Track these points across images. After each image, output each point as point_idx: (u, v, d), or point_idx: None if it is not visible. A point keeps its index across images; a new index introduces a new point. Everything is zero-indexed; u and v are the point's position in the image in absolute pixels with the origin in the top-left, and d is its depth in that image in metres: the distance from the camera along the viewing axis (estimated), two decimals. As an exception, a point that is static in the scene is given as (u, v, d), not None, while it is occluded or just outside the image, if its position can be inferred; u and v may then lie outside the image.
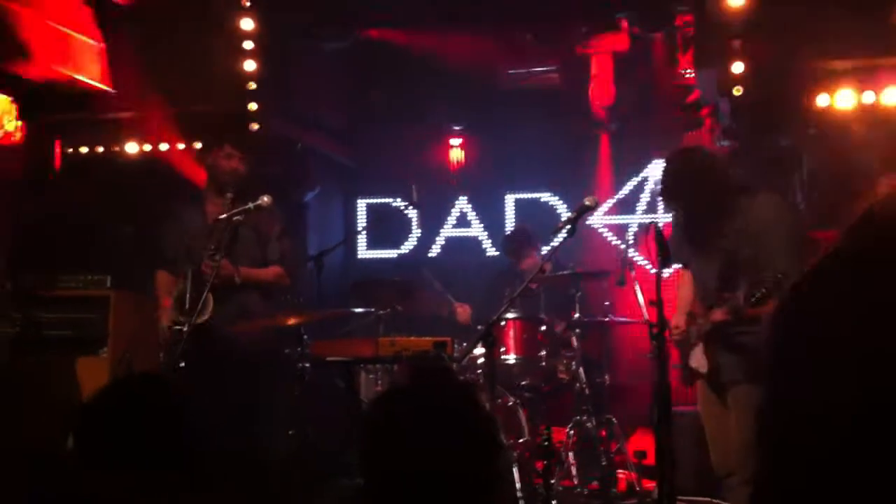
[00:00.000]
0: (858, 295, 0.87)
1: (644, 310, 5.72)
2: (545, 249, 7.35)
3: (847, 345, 0.86)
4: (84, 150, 7.64)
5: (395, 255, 8.52)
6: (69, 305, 6.62)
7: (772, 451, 0.91)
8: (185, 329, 4.67)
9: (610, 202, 8.03)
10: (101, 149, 7.62)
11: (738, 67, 6.14)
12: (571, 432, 6.11)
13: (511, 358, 6.15)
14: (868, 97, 6.38)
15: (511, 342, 6.15)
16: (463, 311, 7.01)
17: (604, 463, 6.05)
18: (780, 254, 4.13)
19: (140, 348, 6.39)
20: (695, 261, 4.56)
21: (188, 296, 4.82)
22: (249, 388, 5.08)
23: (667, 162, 4.56)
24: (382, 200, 8.56)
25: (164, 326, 5.13)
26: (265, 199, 5.08)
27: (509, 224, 8.18)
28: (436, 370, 2.01)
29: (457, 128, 8.00)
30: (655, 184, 7.75)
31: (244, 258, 5.32)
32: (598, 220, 8.03)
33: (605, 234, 8.05)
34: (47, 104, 7.15)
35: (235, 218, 5.05)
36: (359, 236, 8.49)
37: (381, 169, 8.34)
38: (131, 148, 7.54)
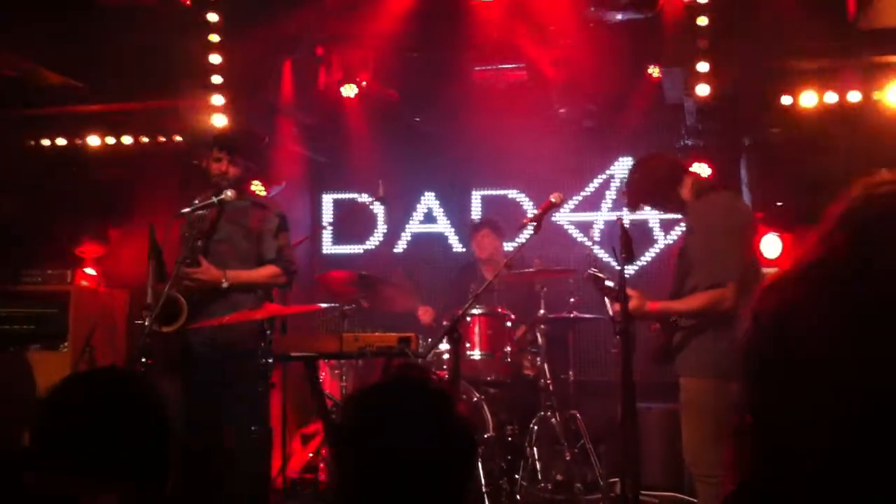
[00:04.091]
0: (847, 300, 0.88)
1: (609, 306, 5.74)
2: (511, 245, 7.40)
3: (835, 347, 0.87)
4: (46, 142, 7.55)
5: (361, 251, 8.50)
6: (30, 301, 6.57)
7: (760, 449, 0.91)
8: (149, 327, 4.61)
9: (576, 199, 8.06)
10: (63, 142, 7.54)
11: (703, 67, 6.19)
12: (535, 428, 6.13)
13: (476, 353, 6.16)
14: (831, 98, 6.45)
15: (476, 338, 6.16)
16: (425, 314, 7.00)
17: (568, 458, 6.08)
18: (698, 259, 4.20)
19: (101, 344, 6.34)
20: None
21: (150, 292, 4.76)
22: (212, 384, 5.04)
23: (630, 171, 4.65)
24: (349, 196, 8.54)
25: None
26: (228, 192, 5.03)
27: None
28: (413, 369, 2.00)
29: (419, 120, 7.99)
30: (621, 182, 7.81)
31: (232, 257, 5.21)
32: (564, 216, 8.06)
33: (570, 231, 8.08)
34: (9, 98, 7.09)
35: (199, 212, 5.00)
36: (324, 231, 8.47)
37: (348, 164, 8.31)
38: (94, 141, 7.47)
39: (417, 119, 8.00)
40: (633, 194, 4.58)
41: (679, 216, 4.77)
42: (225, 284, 5.07)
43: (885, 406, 0.85)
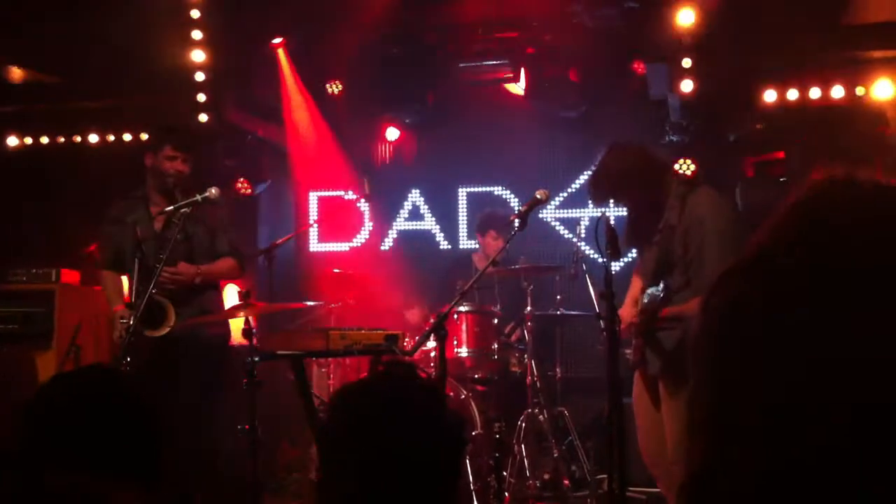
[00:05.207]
0: (791, 296, 0.88)
1: (595, 302, 5.75)
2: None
3: (784, 340, 0.87)
4: (29, 140, 7.51)
5: (347, 249, 8.48)
6: (16, 299, 6.53)
7: (711, 441, 0.91)
8: (132, 327, 4.59)
9: (562, 195, 8.07)
10: (46, 139, 7.49)
11: (686, 63, 6.20)
12: (523, 425, 6.13)
13: (463, 351, 6.15)
14: (814, 93, 6.47)
15: (463, 335, 6.16)
16: (412, 314, 6.98)
17: (555, 455, 6.09)
18: (707, 253, 4.12)
19: (87, 343, 6.31)
20: (640, 253, 4.59)
21: (137, 299, 4.74)
22: (198, 384, 5.03)
23: (605, 158, 4.51)
24: (334, 193, 8.52)
25: (118, 334, 5.00)
26: (213, 190, 5.01)
27: (462, 217, 8.19)
28: (400, 366, 1.99)
29: (407, 120, 7.95)
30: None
31: (201, 255, 5.27)
32: (550, 213, 8.06)
33: (556, 228, 8.09)
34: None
35: (182, 210, 4.98)
36: (310, 229, 8.45)
37: (334, 161, 8.28)
38: (77, 139, 7.43)
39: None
40: (609, 183, 4.36)
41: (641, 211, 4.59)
42: (198, 280, 5.12)
43: (831, 402, 0.85)
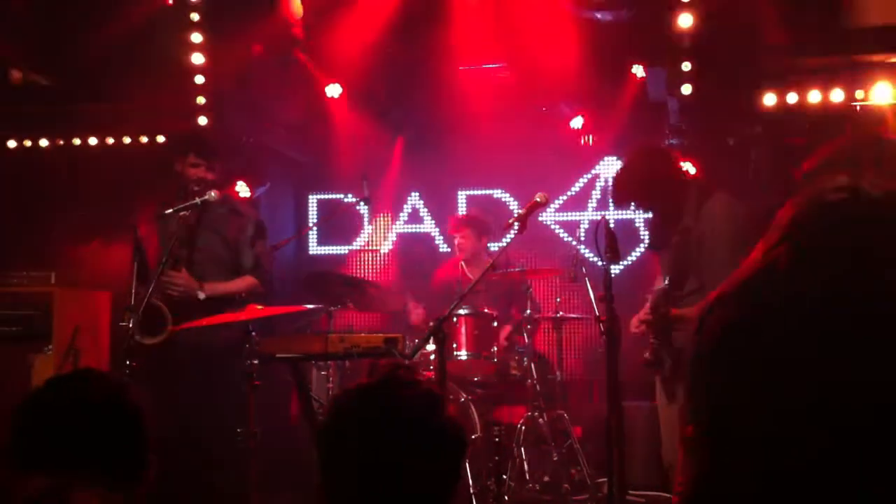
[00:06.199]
0: (781, 320, 0.87)
1: (595, 306, 5.74)
2: (496, 246, 7.39)
3: (776, 361, 0.86)
4: (28, 143, 7.50)
5: (347, 251, 8.48)
6: (14, 301, 6.51)
7: (710, 451, 0.91)
8: (132, 331, 4.58)
9: (561, 199, 8.06)
10: (45, 142, 7.49)
11: (686, 66, 6.19)
12: (523, 428, 6.12)
13: (463, 354, 6.14)
14: (815, 97, 6.45)
15: (462, 338, 6.15)
16: (417, 314, 6.97)
17: (555, 458, 6.08)
18: (718, 259, 4.13)
19: (86, 346, 6.30)
20: (661, 255, 4.60)
21: (133, 294, 4.72)
22: (197, 386, 5.02)
23: (624, 163, 4.54)
24: (334, 196, 8.51)
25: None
26: (212, 193, 5.00)
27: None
28: (400, 369, 1.98)
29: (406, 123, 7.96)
30: (606, 181, 7.81)
31: (211, 266, 5.22)
32: (550, 216, 8.06)
33: (556, 231, 8.09)
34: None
35: (182, 213, 4.96)
36: (310, 232, 8.45)
37: (333, 164, 8.29)
38: (76, 142, 7.42)
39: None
40: (635, 188, 4.40)
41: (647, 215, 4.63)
42: (201, 296, 5.08)
43: (820, 430, 0.85)
